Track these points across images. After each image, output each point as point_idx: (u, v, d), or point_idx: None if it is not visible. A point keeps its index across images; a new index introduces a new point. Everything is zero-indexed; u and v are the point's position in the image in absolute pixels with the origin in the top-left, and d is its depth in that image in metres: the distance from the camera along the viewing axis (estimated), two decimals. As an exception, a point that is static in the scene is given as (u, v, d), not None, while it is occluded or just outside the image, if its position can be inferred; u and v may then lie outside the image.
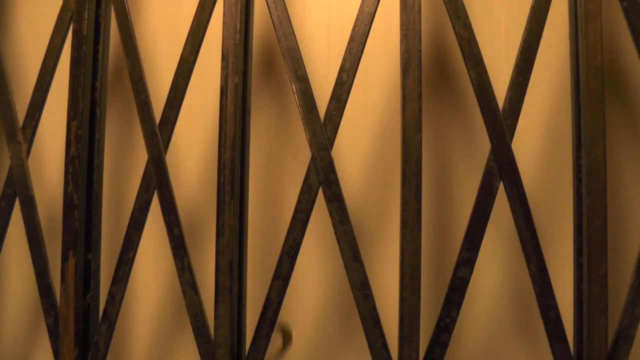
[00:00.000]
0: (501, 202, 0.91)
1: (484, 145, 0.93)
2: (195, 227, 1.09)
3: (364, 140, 1.05)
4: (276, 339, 1.01)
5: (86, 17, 1.01)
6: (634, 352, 0.87)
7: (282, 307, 0.95)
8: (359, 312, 0.93)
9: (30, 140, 1.04)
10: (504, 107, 0.92)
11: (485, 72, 0.92)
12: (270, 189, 1.07)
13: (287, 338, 1.02)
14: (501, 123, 0.91)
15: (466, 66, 0.92)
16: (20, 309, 1.16)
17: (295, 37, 0.97)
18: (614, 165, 0.97)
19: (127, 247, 1.00)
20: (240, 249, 0.98)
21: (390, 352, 0.92)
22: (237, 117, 0.97)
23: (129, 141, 1.12)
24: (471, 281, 0.90)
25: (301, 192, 0.95)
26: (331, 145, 0.95)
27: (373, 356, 0.92)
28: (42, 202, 1.11)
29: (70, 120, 1.00)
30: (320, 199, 0.94)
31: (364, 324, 0.92)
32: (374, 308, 0.92)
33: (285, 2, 0.97)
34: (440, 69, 1.03)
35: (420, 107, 0.91)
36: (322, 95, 1.00)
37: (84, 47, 1.01)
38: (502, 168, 0.91)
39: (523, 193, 0.90)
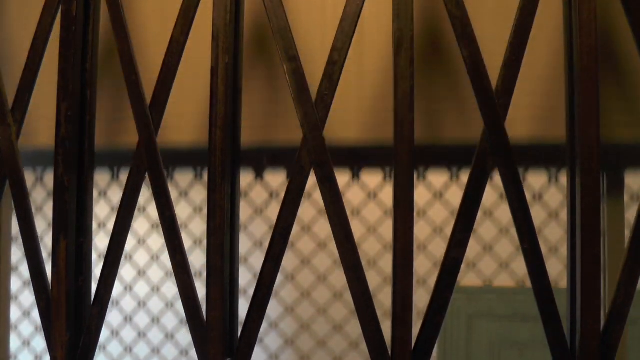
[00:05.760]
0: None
1: (477, 124, 0.93)
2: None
3: (356, 120, 1.04)
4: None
5: (75, -3, 1.00)
6: (627, 331, 0.87)
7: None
8: (352, 293, 0.92)
9: (20, 122, 1.03)
10: (497, 86, 0.91)
11: (479, 51, 0.91)
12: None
13: None
14: (494, 102, 0.90)
15: (459, 45, 0.92)
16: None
17: (286, 17, 0.96)
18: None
19: (119, 230, 1.00)
20: (232, 231, 0.97)
21: (384, 333, 0.92)
22: (228, 98, 0.96)
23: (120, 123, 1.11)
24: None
25: (293, 173, 0.94)
26: (323, 125, 0.94)
27: (366, 337, 0.92)
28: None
29: (60, 102, 0.99)
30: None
31: (356, 306, 0.92)
32: (367, 289, 0.92)
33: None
34: (432, 48, 1.03)
35: (412, 87, 0.91)
36: (315, 75, 0.99)
37: (73, 27, 1.00)
38: (495, 148, 0.90)
39: (516, 172, 0.90)
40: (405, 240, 0.90)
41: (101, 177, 2.59)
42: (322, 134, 0.93)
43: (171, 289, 2.54)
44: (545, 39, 0.99)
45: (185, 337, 2.46)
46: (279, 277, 0.98)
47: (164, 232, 0.97)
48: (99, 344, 1.02)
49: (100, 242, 2.66)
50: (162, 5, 1.10)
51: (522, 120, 0.99)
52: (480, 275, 2.21)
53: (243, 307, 0.97)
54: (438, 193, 2.09)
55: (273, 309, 2.31)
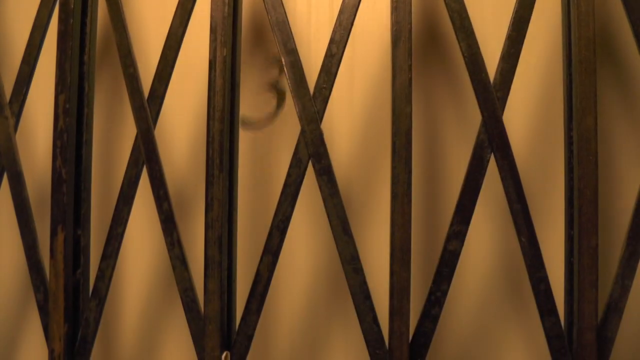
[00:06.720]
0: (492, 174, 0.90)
1: (475, 117, 0.93)
2: (184, 201, 1.08)
3: (353, 113, 1.04)
4: (270, 100, 0.96)
5: (73, -11, 1.00)
6: (624, 324, 0.87)
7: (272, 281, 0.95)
8: (349, 286, 0.92)
9: (17, 115, 1.03)
10: (495, 79, 0.91)
11: (476, 44, 0.91)
12: (260, 162, 1.06)
13: (281, 98, 0.97)
14: (492, 95, 0.90)
15: (457, 38, 0.91)
16: (11, 285, 1.15)
17: (284, 10, 0.96)
18: (606, 136, 0.96)
19: (117, 222, 1.00)
20: (229, 223, 0.97)
21: (381, 326, 0.92)
22: (226, 90, 0.96)
23: (118, 115, 1.11)
24: (462, 254, 0.90)
25: (290, 166, 0.94)
26: (321, 118, 0.94)
27: (363, 330, 0.92)
28: (31, 177, 1.10)
29: (58, 94, 0.99)
30: (310, 173, 0.93)
31: (354, 298, 0.92)
32: (364, 282, 0.92)
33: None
34: (431, 41, 1.02)
35: (410, 79, 0.91)
36: (313, 68, 0.99)
37: (71, 20, 0.99)
38: (493, 140, 0.90)
39: (514, 165, 0.90)
40: (403, 232, 0.89)
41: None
42: (319, 127, 0.93)
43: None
44: (543, 31, 0.99)
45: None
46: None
47: (161, 225, 0.97)
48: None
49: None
50: (160, -2, 1.10)
51: (520, 113, 0.99)
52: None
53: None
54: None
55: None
